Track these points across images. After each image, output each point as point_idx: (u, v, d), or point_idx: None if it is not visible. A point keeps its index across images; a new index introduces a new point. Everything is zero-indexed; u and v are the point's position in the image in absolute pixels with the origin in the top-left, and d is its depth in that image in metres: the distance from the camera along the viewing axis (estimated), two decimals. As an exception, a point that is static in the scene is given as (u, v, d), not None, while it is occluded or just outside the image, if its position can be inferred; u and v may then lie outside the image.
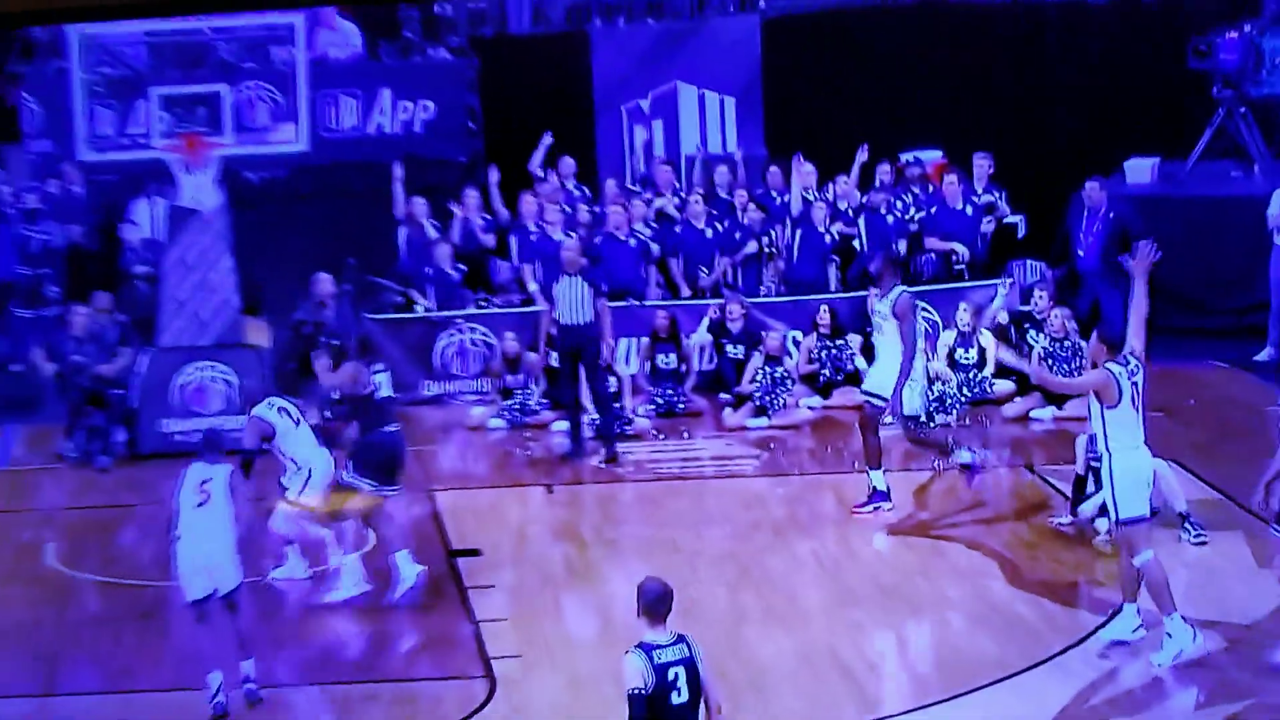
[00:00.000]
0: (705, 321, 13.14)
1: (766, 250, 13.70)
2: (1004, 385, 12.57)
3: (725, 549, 10.40)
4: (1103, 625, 8.78)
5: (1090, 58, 14.18)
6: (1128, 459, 8.49)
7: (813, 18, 15.06)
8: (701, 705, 6.19)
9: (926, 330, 13.08)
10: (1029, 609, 9.28)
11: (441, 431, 12.90)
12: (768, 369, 12.62)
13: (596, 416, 12.04)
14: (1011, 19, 14.82)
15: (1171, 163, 14.10)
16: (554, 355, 12.39)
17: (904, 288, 10.81)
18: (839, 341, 12.96)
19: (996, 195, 13.68)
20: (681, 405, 12.94)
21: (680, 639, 6.22)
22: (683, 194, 14.03)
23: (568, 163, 14.00)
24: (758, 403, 12.60)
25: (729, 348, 12.97)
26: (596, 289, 11.92)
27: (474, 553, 10.30)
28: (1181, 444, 11.44)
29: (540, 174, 13.86)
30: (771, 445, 12.27)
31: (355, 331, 12.83)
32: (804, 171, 13.62)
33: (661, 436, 12.56)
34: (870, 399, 10.69)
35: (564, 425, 12.27)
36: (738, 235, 13.71)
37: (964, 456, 10.78)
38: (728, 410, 12.78)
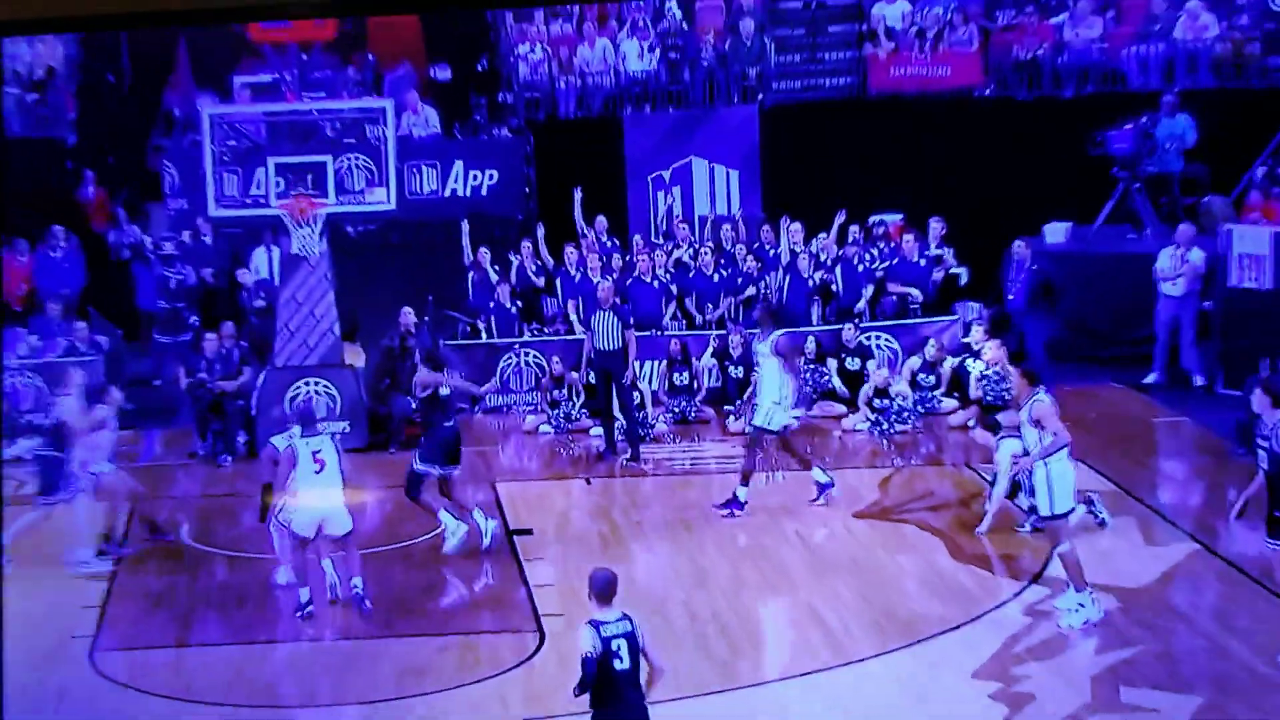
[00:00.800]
0: (711, 347, 13.31)
1: (762, 292, 13.80)
2: (950, 403, 12.65)
3: (728, 529, 10.52)
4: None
5: (1019, 142, 14.26)
6: (1057, 467, 8.72)
7: (800, 107, 15.19)
8: (643, 671, 6.21)
9: (888, 357, 13.32)
10: (968, 577, 9.47)
11: (502, 435, 13.00)
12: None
13: (624, 424, 12.16)
14: (959, 110, 14.87)
15: (1081, 227, 14.21)
16: (591, 374, 12.48)
17: (780, 331, 10.82)
18: (821, 366, 13.10)
19: (945, 251, 13.77)
20: (693, 414, 13.07)
21: (624, 617, 6.22)
22: (696, 246, 14.13)
23: (602, 221, 14.09)
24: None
25: (731, 369, 13.08)
26: (625, 322, 12.07)
27: (527, 532, 10.43)
28: (1086, 448, 11.37)
29: (583, 229, 13.98)
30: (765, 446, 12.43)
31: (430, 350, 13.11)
32: (792, 230, 13.76)
33: (677, 439, 12.70)
34: (762, 430, 10.63)
35: (600, 431, 12.40)
36: (739, 280, 13.83)
37: (819, 476, 10.75)
38: (730, 418, 12.80)
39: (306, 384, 12.51)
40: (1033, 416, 8.78)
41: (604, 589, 6.31)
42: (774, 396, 10.59)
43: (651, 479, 11.78)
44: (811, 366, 12.98)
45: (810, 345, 12.98)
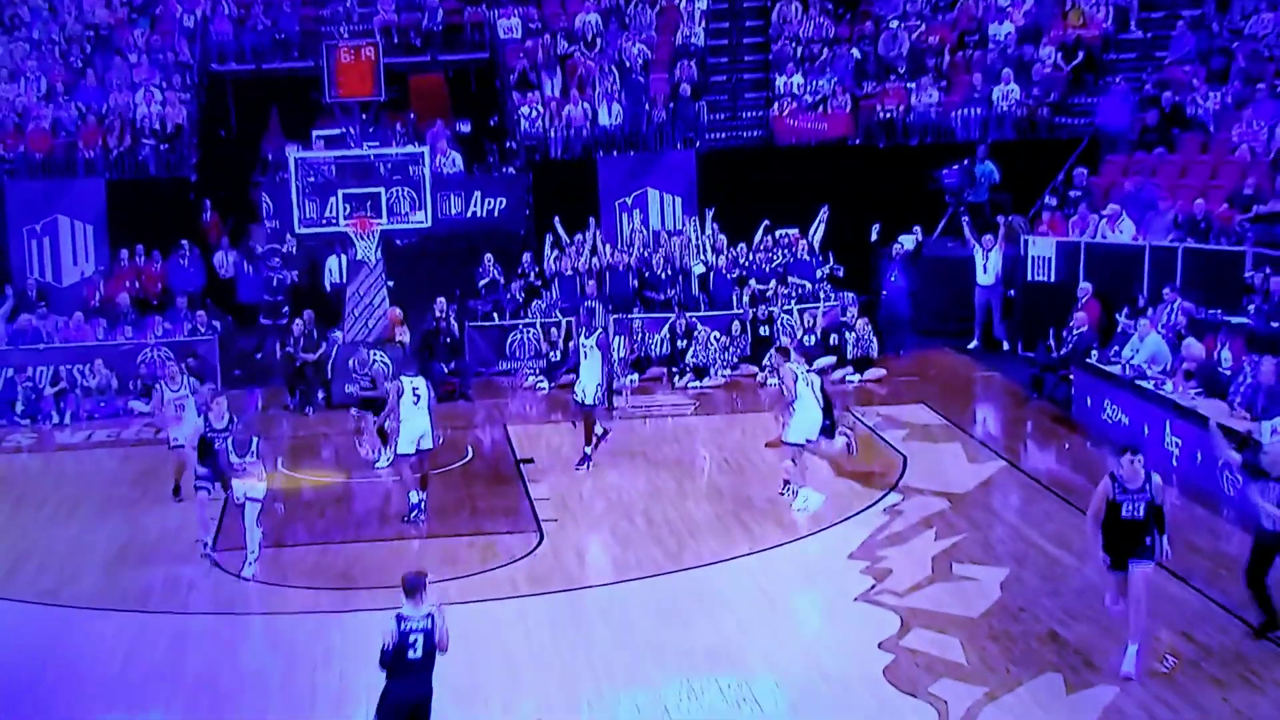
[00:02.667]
0: (667, 326, 13.06)
1: (696, 284, 13.61)
2: (827, 360, 12.33)
3: (675, 456, 10.46)
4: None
5: (882, 178, 14.14)
6: (800, 408, 8.80)
7: (725, 152, 15.02)
8: (436, 657, 5.43)
9: (790, 327, 13.03)
10: (845, 487, 9.47)
11: (510, 390, 12.75)
12: (715, 340, 12.66)
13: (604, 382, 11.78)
14: (837, 155, 14.71)
15: (927, 237, 14.11)
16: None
17: (601, 329, 10.32)
18: (742, 337, 12.95)
19: (827, 255, 13.64)
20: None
21: (429, 616, 5.41)
22: (649, 252, 13.95)
23: (579, 236, 13.83)
24: (697, 366, 12.63)
25: (679, 341, 12.82)
26: (605, 308, 12.00)
27: (529, 461, 10.31)
28: (927, 393, 11.80)
29: (565, 240, 13.76)
30: (700, 398, 12.33)
31: (458, 334, 12.75)
32: (719, 240, 13.67)
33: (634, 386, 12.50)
34: (581, 402, 10.02)
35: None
36: (681, 275, 13.68)
37: (589, 450, 10.02)
38: (675, 377, 12.67)
39: (366, 352, 12.23)
40: (780, 379, 8.94)
41: (411, 588, 5.48)
42: (596, 379, 9.98)
43: (620, 421, 11.55)
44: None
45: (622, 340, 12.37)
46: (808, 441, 8.89)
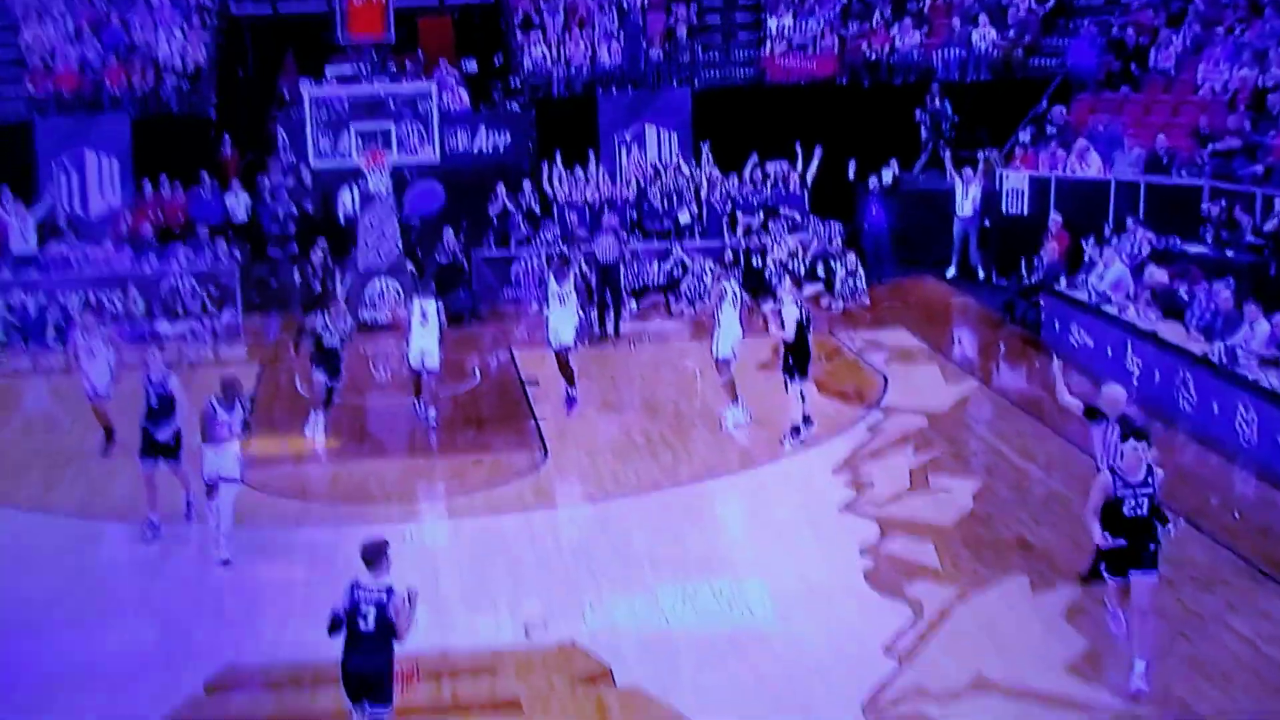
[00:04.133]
0: (671, 258, 12.61)
1: (691, 216, 13.17)
2: (814, 287, 11.90)
3: (671, 378, 10.25)
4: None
5: (867, 115, 13.66)
6: (729, 329, 8.64)
7: (720, 91, 14.45)
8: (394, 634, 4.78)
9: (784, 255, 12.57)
10: (829, 406, 9.22)
11: (515, 317, 12.34)
12: (709, 269, 12.28)
13: (612, 310, 11.47)
14: (825, 93, 14.13)
15: (906, 171, 13.65)
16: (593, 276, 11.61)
17: (575, 273, 9.67)
18: (735, 267, 12.22)
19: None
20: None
21: (387, 589, 4.74)
22: (646, 185, 13.43)
23: (578, 171, 13.31)
24: (691, 294, 12.33)
25: (675, 270, 12.54)
26: (621, 241, 11.57)
27: (535, 383, 10.05)
28: (908, 318, 11.59)
29: (563, 175, 13.23)
30: (695, 324, 11.88)
31: (468, 264, 12.36)
32: (712, 174, 13.21)
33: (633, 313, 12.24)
34: (555, 347, 9.36)
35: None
36: (678, 207, 13.21)
37: (574, 393, 9.35)
38: (671, 304, 12.30)
39: (379, 282, 11.94)
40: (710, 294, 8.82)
41: (366, 557, 4.82)
42: (572, 323, 9.35)
43: (620, 349, 11.26)
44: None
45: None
46: (733, 354, 8.74)
